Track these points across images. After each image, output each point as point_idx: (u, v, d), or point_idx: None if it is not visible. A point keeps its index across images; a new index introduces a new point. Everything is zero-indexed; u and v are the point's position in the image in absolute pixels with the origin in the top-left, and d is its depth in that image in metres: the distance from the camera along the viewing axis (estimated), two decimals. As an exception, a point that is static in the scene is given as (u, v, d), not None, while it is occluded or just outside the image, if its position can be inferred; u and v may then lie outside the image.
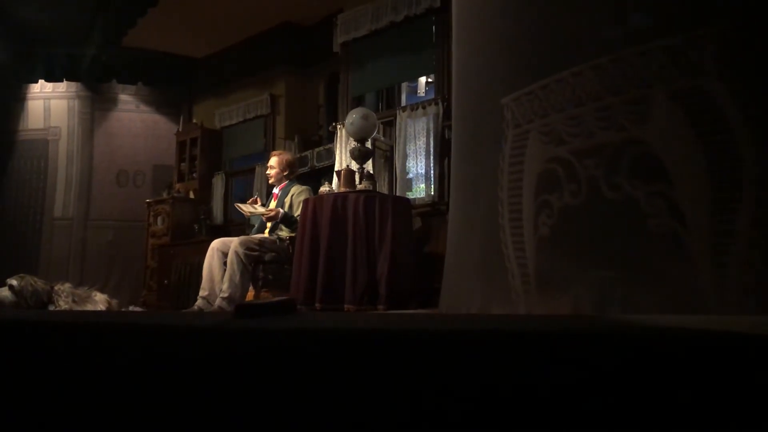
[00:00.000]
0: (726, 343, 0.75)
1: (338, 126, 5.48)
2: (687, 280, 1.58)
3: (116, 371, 1.25)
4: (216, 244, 4.59)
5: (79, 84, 7.79)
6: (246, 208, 4.68)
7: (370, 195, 4.07)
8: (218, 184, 7.47)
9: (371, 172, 4.63)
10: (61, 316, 2.09)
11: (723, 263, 1.52)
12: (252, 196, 5.19)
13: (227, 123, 7.50)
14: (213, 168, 7.57)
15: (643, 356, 0.76)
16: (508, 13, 2.30)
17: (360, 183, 4.28)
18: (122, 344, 1.30)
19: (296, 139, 6.64)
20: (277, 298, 1.83)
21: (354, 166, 4.49)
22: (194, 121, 7.83)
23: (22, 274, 4.28)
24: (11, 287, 4.13)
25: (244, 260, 4.36)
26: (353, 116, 4.44)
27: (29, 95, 7.77)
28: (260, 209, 4.60)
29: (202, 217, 7.14)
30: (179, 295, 6.60)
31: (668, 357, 0.74)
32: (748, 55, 1.58)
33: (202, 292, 4.50)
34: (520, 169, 2.11)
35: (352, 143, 4.54)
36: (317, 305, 3.93)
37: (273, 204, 4.79)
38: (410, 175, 5.27)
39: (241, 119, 7.32)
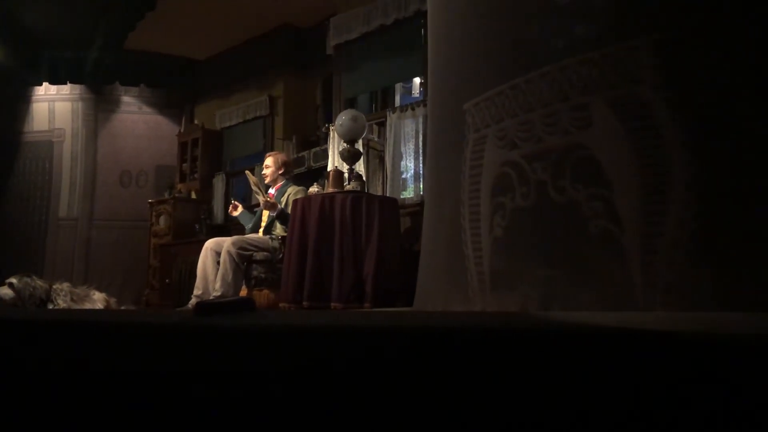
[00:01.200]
0: (598, 340, 0.82)
1: (331, 127, 5.57)
2: (621, 278, 1.66)
3: (76, 367, 1.34)
4: (210, 244, 4.71)
5: (82, 86, 7.93)
6: (253, 179, 4.82)
7: (357, 195, 4.16)
8: (219, 184, 7.58)
9: (360, 173, 4.71)
10: (22, 314, 2.18)
11: (651, 262, 1.60)
12: (238, 201, 5.29)
13: (227, 124, 7.62)
14: (214, 168, 7.69)
15: (526, 352, 0.83)
16: (469, 22, 2.39)
17: (348, 184, 4.37)
18: (82, 341, 1.39)
19: (294, 140, 6.74)
20: (235, 297, 1.92)
21: (345, 166, 4.59)
22: (196, 122, 7.95)
23: (21, 274, 4.40)
24: (11, 285, 4.25)
25: (236, 259, 4.47)
26: (343, 118, 4.53)
27: (34, 97, 7.92)
28: (260, 197, 4.73)
29: (203, 216, 7.26)
30: (180, 294, 6.72)
31: (555, 354, 0.81)
32: (678, 64, 1.66)
33: (196, 291, 4.62)
34: (479, 172, 2.19)
35: (343, 144, 4.64)
36: (305, 303, 4.03)
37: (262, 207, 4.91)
38: (405, 175, 5.36)
39: (240, 120, 7.43)
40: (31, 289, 4.33)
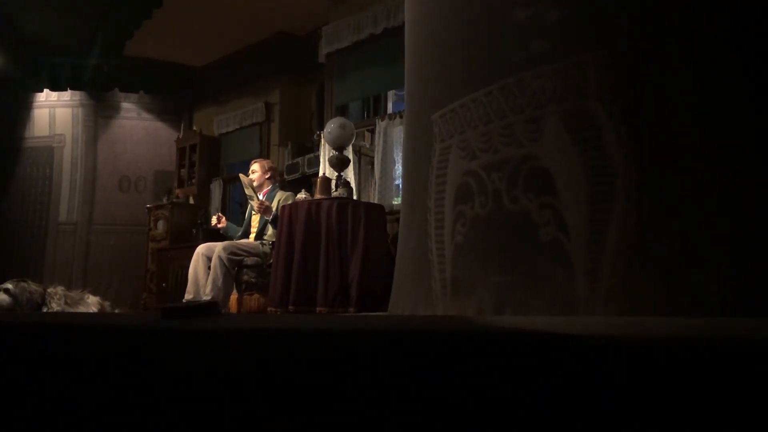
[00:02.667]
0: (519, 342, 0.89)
1: (322, 134, 5.66)
2: (567, 284, 1.73)
3: (46, 368, 1.41)
4: (201, 249, 4.80)
5: (82, 93, 8.06)
6: (246, 181, 4.92)
7: (343, 202, 4.23)
8: (216, 189, 7.68)
9: (348, 180, 4.79)
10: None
11: (595, 269, 1.66)
12: (235, 206, 5.37)
13: (225, 130, 7.72)
14: (211, 174, 7.79)
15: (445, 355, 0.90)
16: (437, 34, 2.46)
17: (336, 190, 4.45)
18: (53, 343, 1.46)
19: (290, 146, 6.83)
20: (200, 301, 1.99)
21: (333, 173, 4.67)
22: (194, 128, 8.06)
23: (16, 279, 4.47)
24: (7, 291, 4.32)
25: (227, 264, 4.56)
26: (331, 125, 4.62)
27: (35, 104, 8.06)
28: (254, 201, 4.81)
29: (200, 221, 7.35)
30: (176, 297, 6.81)
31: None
32: (622, 80, 1.73)
33: (188, 295, 4.71)
34: (444, 181, 2.27)
35: (331, 151, 4.72)
36: (291, 307, 4.11)
37: (255, 210, 4.99)
38: (397, 181, 5.44)
39: (237, 126, 7.53)
40: (28, 294, 4.39)
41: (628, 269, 1.61)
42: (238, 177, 7.51)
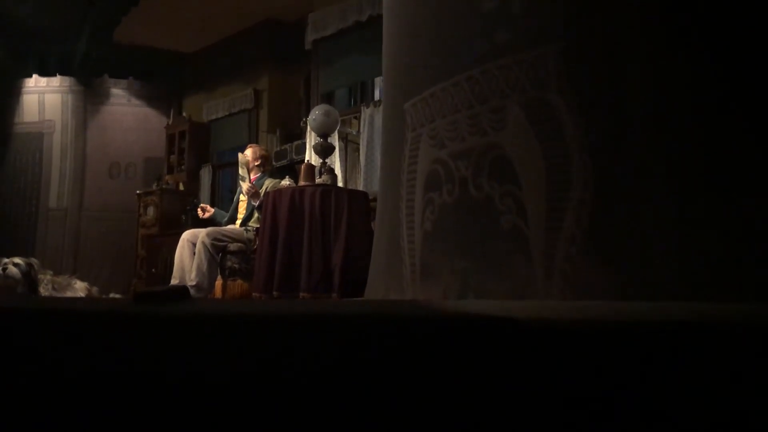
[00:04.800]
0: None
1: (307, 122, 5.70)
2: (526, 270, 1.78)
3: (17, 355, 1.46)
4: (186, 235, 4.84)
5: (72, 79, 8.07)
6: (243, 159, 4.97)
7: (326, 189, 4.27)
8: (205, 176, 7.72)
9: (332, 167, 4.83)
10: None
11: (551, 256, 1.72)
12: (225, 194, 5.42)
13: (214, 116, 7.74)
14: (201, 160, 7.82)
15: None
16: (410, 22, 2.50)
17: (320, 177, 4.49)
18: (22, 329, 1.51)
19: (278, 133, 6.87)
20: (170, 286, 2.05)
21: (318, 160, 4.71)
22: (183, 114, 8.07)
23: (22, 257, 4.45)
24: (18, 266, 4.30)
25: (211, 250, 4.61)
26: (316, 113, 4.65)
27: (24, 89, 8.06)
28: (245, 183, 4.86)
29: (189, 208, 7.38)
30: (166, 283, 6.86)
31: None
32: (580, 72, 1.78)
33: (173, 281, 4.76)
34: (415, 169, 2.31)
35: (316, 138, 4.76)
36: (275, 293, 4.16)
37: (243, 196, 5.04)
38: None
39: (226, 113, 7.56)
40: (34, 273, 4.40)
41: (580, 256, 1.66)
42: (228, 164, 7.59)
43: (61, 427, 1.21)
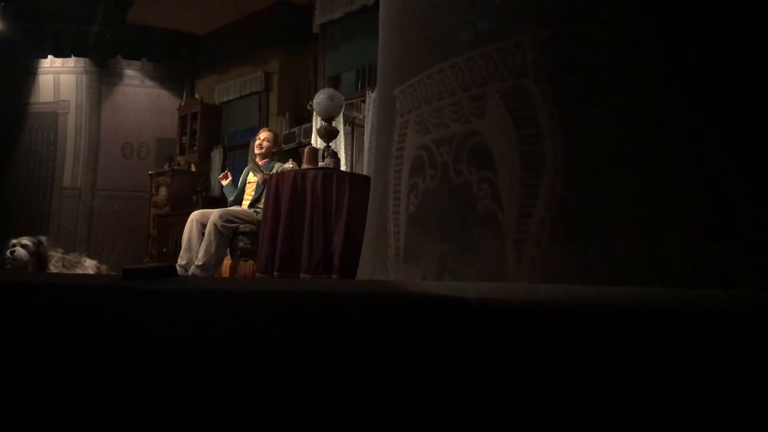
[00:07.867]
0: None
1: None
2: (498, 254, 1.84)
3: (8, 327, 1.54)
4: (195, 215, 4.94)
5: (86, 59, 8.17)
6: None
7: (328, 172, 4.34)
8: (216, 157, 7.81)
9: (336, 150, 4.89)
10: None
11: (522, 240, 1.77)
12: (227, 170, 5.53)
13: (225, 98, 7.82)
14: (212, 142, 7.91)
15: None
16: (400, 10, 2.54)
17: (323, 161, 4.55)
18: (8, 303, 1.59)
19: (287, 116, 6.93)
20: (158, 264, 2.12)
21: (321, 143, 4.77)
22: (196, 96, 8.16)
23: (31, 237, 4.56)
24: (26, 246, 4.41)
25: (222, 231, 4.71)
26: (320, 96, 4.71)
27: (40, 70, 8.18)
28: (258, 174, 4.96)
29: (199, 189, 7.49)
30: (176, 263, 6.99)
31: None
32: (555, 60, 1.81)
33: (180, 261, 4.86)
34: (402, 155, 2.37)
35: (320, 122, 4.81)
36: (276, 273, 4.24)
37: (251, 177, 5.13)
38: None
39: (238, 95, 7.63)
40: (43, 252, 4.50)
41: (550, 241, 1.71)
42: (239, 146, 7.68)
43: (52, 399, 1.30)
